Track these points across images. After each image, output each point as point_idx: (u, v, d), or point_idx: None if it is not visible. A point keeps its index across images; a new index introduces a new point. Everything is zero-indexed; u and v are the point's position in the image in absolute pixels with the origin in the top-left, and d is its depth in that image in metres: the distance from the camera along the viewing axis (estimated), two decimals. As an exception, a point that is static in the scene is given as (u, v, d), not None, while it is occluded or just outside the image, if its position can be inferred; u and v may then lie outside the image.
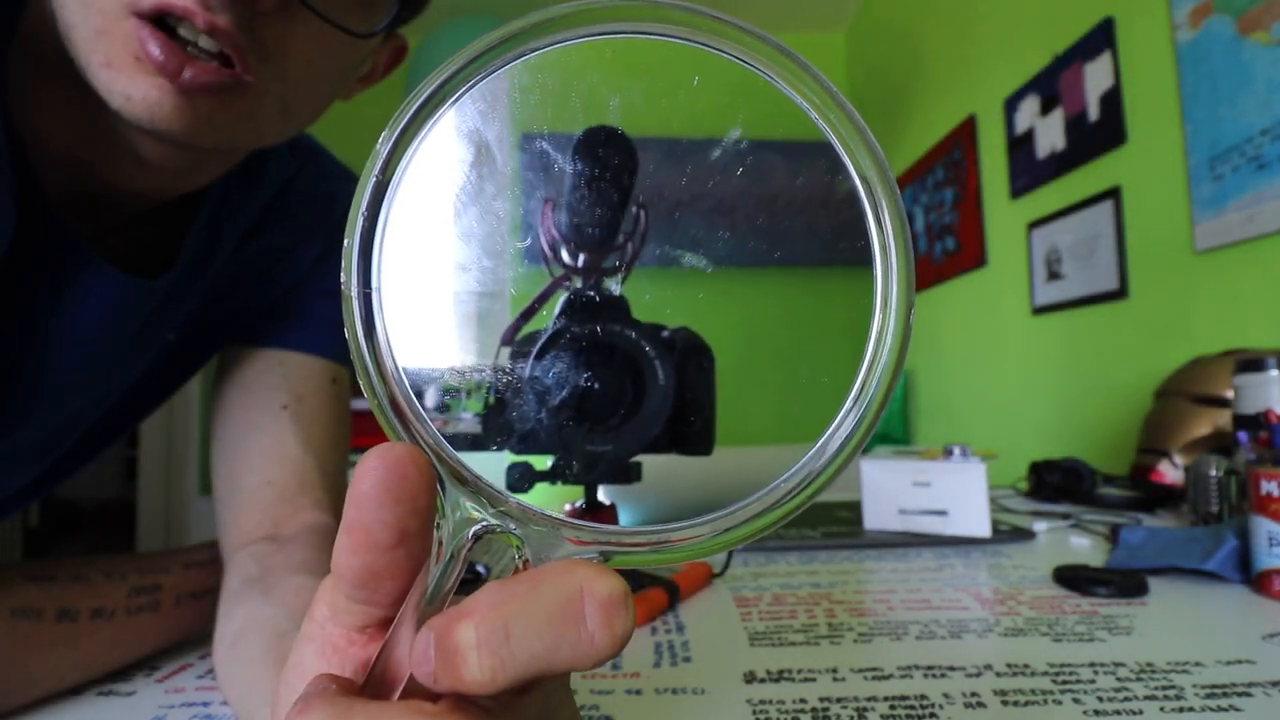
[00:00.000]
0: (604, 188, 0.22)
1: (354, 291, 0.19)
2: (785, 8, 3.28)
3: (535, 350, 0.21)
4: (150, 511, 2.60)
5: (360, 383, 0.19)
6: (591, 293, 0.22)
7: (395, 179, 0.20)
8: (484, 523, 0.19)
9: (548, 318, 0.22)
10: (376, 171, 0.19)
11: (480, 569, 0.65)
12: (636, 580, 0.58)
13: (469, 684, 0.16)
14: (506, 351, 0.22)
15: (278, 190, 0.52)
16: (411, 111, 0.19)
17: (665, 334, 0.22)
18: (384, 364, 0.19)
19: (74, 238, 0.40)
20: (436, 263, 0.21)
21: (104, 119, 0.37)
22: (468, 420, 0.21)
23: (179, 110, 0.34)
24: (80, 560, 0.46)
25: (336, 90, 0.43)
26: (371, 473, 0.17)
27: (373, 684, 0.18)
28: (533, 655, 0.16)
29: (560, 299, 0.23)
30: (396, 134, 0.19)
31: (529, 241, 0.22)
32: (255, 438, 0.50)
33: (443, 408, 0.20)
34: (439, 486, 0.18)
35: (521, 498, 0.19)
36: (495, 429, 0.21)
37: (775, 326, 0.23)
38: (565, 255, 0.23)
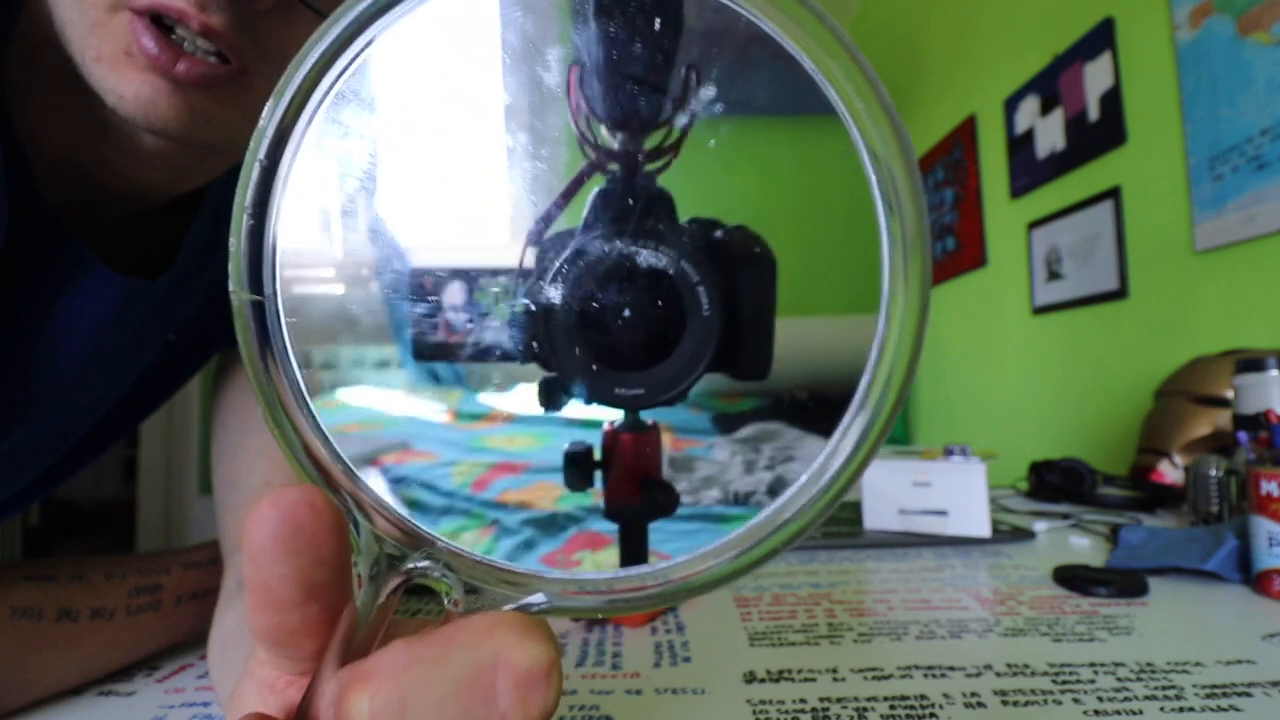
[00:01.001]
0: (642, 45, 0.17)
1: (244, 301, 0.16)
2: (785, 8, 3.28)
3: (553, 271, 0.17)
4: (150, 511, 2.60)
5: (261, 412, 0.16)
6: (629, 186, 0.18)
7: (286, 163, 0.16)
8: (407, 566, 0.16)
9: (579, 213, 0.18)
10: (261, 155, 0.16)
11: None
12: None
13: None
14: (532, 254, 0.18)
15: None
16: (299, 77, 0.16)
17: (718, 235, 0.18)
18: (285, 388, 0.16)
19: (71, 239, 0.40)
20: (347, 261, 0.18)
21: (102, 117, 0.37)
22: (488, 344, 0.17)
23: (174, 108, 0.33)
24: (81, 560, 0.46)
25: None
26: (263, 524, 0.15)
27: None
28: None
29: (591, 193, 0.18)
30: (282, 107, 0.16)
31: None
32: (254, 438, 0.50)
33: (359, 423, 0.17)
34: (353, 527, 0.16)
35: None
36: (505, 369, 0.18)
37: (841, 189, 0.19)
38: (601, 134, 0.18)
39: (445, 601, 0.16)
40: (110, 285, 0.42)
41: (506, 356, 0.18)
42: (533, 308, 0.17)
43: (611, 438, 0.18)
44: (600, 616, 0.18)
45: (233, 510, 0.49)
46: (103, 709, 0.41)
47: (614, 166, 0.18)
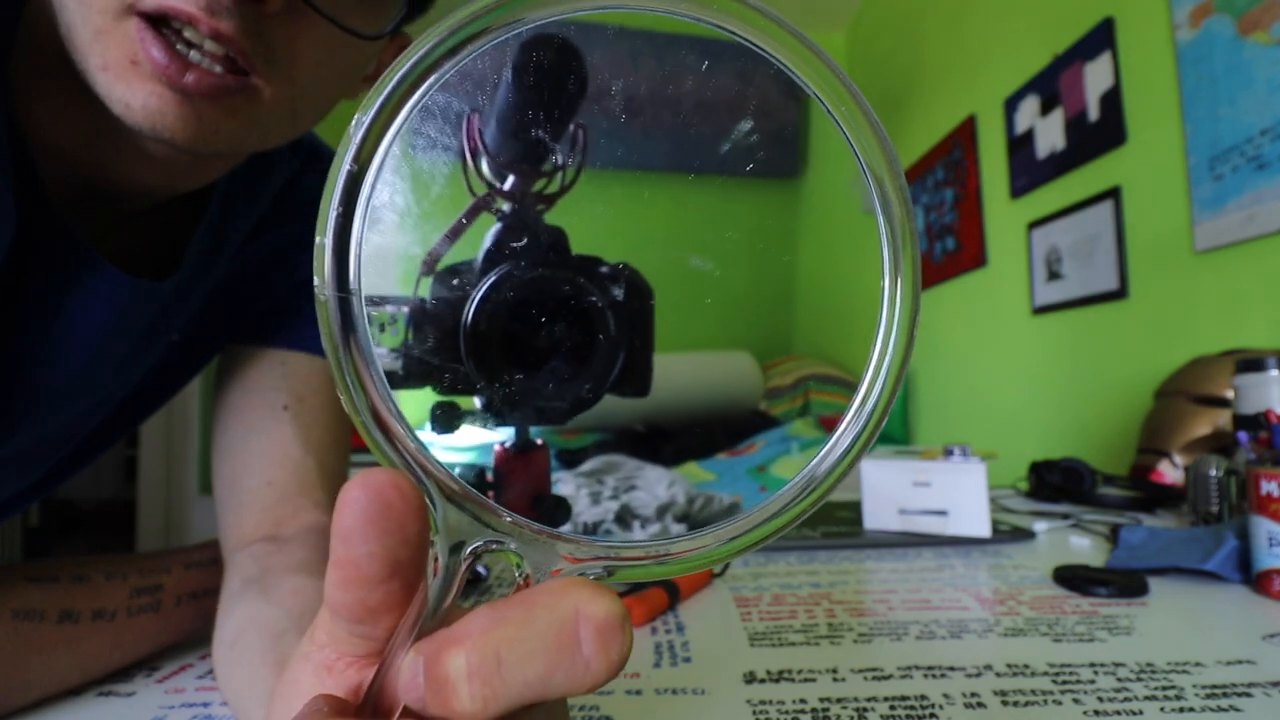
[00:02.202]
0: (543, 102, 0.19)
1: (329, 295, 0.17)
2: (784, 6, 3.27)
3: (478, 298, 0.19)
4: (150, 511, 2.59)
5: (340, 396, 0.18)
6: (527, 223, 0.20)
7: (373, 167, 0.18)
8: (479, 540, 0.18)
9: (474, 243, 0.20)
10: (349, 159, 0.17)
11: (481, 570, 0.65)
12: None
13: (460, 714, 0.16)
14: (428, 282, 0.19)
15: (280, 190, 0.52)
16: (388, 89, 0.17)
17: (605, 270, 0.20)
18: (365, 375, 0.18)
19: (78, 238, 0.40)
20: (425, 261, 0.19)
21: (107, 118, 0.37)
22: (389, 359, 0.19)
23: (182, 118, 0.33)
24: (82, 560, 0.46)
25: (343, 90, 0.43)
26: (353, 504, 0.16)
27: (369, 706, 0.17)
28: (526, 683, 0.15)
29: (491, 229, 0.20)
30: (371, 115, 0.17)
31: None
32: (256, 438, 0.50)
33: (437, 420, 0.19)
34: (430, 504, 0.17)
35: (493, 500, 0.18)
36: (431, 379, 0.19)
37: (704, 239, 0.21)
38: (487, 171, 0.20)
39: (516, 574, 0.18)
40: (117, 287, 0.42)
41: (422, 378, 0.20)
42: (460, 329, 0.19)
43: (504, 457, 0.20)
44: (651, 581, 0.20)
45: (234, 511, 0.49)
46: (103, 709, 0.41)
47: (503, 205, 0.20)
